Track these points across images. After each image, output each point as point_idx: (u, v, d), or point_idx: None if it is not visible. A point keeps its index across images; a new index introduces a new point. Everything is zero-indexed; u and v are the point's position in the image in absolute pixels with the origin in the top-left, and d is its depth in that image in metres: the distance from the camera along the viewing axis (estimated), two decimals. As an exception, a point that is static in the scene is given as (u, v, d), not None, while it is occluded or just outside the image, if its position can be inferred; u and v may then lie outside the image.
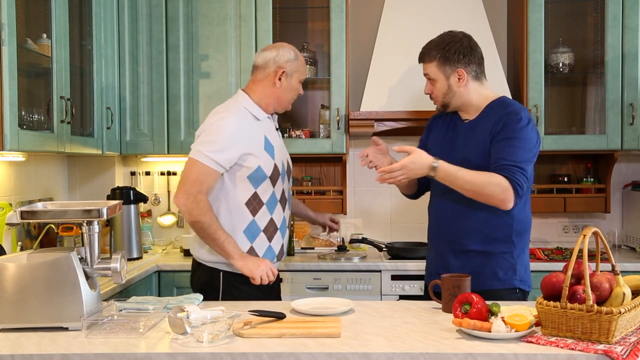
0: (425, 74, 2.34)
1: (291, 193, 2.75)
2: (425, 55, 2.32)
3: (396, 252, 3.26)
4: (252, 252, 2.36)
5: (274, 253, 2.42)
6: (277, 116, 2.56)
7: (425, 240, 3.67)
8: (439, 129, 2.43)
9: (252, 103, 2.41)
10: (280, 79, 2.40)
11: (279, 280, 2.55)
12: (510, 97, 3.26)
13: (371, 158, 2.37)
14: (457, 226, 2.28)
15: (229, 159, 2.28)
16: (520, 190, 2.10)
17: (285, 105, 2.48)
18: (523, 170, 2.11)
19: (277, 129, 2.52)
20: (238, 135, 2.29)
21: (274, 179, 2.38)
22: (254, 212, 2.36)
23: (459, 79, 2.27)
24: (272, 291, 2.46)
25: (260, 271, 2.28)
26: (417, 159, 2.11)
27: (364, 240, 3.16)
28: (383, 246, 3.22)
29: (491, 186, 2.10)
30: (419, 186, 2.54)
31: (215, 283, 2.38)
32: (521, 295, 2.28)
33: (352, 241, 3.15)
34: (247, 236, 2.36)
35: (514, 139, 2.15)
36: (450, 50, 2.26)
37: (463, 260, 2.27)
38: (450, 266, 2.27)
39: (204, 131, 2.33)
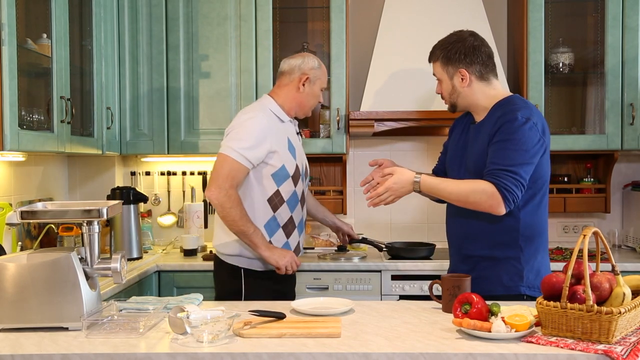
0: (434, 74, 2.35)
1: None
2: (431, 55, 2.33)
3: (396, 252, 3.25)
4: None
5: (290, 249, 2.56)
6: (297, 121, 2.71)
7: (425, 240, 3.69)
8: (457, 132, 2.41)
9: (276, 106, 2.56)
10: (303, 85, 2.56)
11: (294, 276, 2.71)
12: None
13: (377, 180, 2.30)
14: (462, 231, 2.27)
15: (258, 156, 2.42)
16: (508, 194, 2.03)
17: (306, 111, 2.64)
18: (513, 174, 2.04)
19: (297, 133, 2.68)
20: (266, 134, 2.43)
21: (295, 178, 2.54)
22: (274, 208, 2.51)
23: (462, 79, 2.25)
24: (289, 286, 2.66)
25: (285, 262, 2.46)
26: (399, 179, 2.19)
27: (364, 240, 3.16)
28: (383, 246, 3.22)
29: (475, 194, 2.07)
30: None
31: (238, 280, 2.53)
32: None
33: (352, 241, 3.15)
34: (267, 231, 2.50)
35: (507, 141, 2.08)
36: (452, 50, 2.25)
37: (469, 265, 2.24)
38: (459, 270, 2.25)
39: (234, 129, 2.45)
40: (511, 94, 2.29)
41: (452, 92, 2.28)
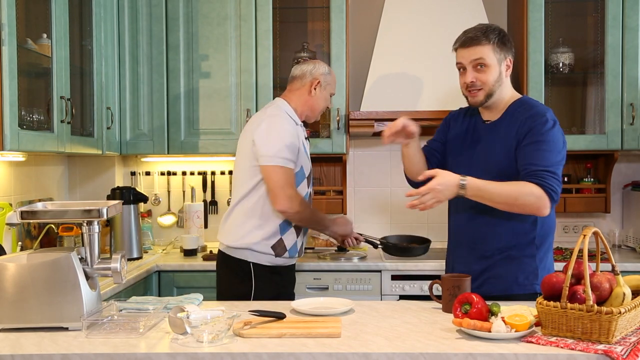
0: (471, 61, 2.17)
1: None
2: (481, 38, 2.15)
3: (392, 250, 3.11)
4: (281, 243, 2.58)
5: (296, 248, 2.66)
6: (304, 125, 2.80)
7: (421, 234, 3.67)
8: (458, 129, 2.35)
9: (291, 109, 2.67)
10: (315, 89, 2.67)
11: (294, 274, 2.82)
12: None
13: (394, 136, 2.24)
14: (478, 231, 2.22)
15: (296, 156, 2.55)
16: (554, 194, 2.04)
17: (316, 115, 2.76)
18: (554, 174, 2.05)
19: (307, 138, 2.75)
20: (292, 133, 2.55)
21: (309, 179, 2.67)
22: None
23: (507, 67, 2.19)
24: (291, 279, 2.77)
25: (347, 237, 2.81)
26: (443, 181, 2.02)
27: (367, 241, 3.13)
28: (378, 242, 3.10)
29: (524, 196, 2.03)
30: (429, 166, 2.39)
31: (247, 274, 2.58)
32: None
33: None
34: (281, 228, 2.58)
35: (542, 142, 2.07)
36: (505, 37, 2.19)
37: (483, 264, 2.21)
38: (473, 271, 2.21)
39: (269, 136, 2.51)
40: (520, 94, 2.28)
41: (498, 79, 2.18)
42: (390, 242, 3.13)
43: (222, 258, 2.66)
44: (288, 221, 2.58)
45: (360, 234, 3.02)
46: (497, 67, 2.18)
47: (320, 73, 2.70)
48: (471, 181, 2.04)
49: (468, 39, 2.18)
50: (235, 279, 2.60)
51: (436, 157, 2.43)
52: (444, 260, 3.13)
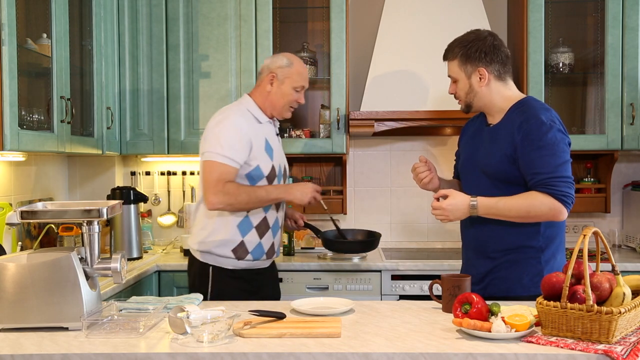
0: (448, 74, 2.29)
1: None
2: (448, 53, 2.27)
3: (330, 244, 2.87)
4: (242, 246, 2.49)
5: (263, 250, 2.54)
6: (278, 122, 2.71)
7: (424, 239, 3.68)
8: (469, 134, 2.37)
9: (254, 106, 2.56)
10: (272, 84, 2.55)
11: (268, 277, 2.67)
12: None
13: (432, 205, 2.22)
14: (483, 233, 2.22)
15: (242, 154, 2.42)
16: (566, 199, 2.04)
17: (280, 111, 2.59)
18: (562, 178, 2.05)
19: (277, 134, 2.65)
20: (243, 133, 2.43)
21: (270, 179, 2.52)
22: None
23: (480, 78, 2.20)
24: (261, 284, 2.59)
25: (308, 198, 2.49)
26: (454, 202, 2.11)
27: (307, 225, 2.83)
28: (318, 231, 2.86)
29: (536, 208, 2.06)
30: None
31: (205, 278, 2.52)
32: None
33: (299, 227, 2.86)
34: (240, 230, 2.49)
35: (542, 148, 2.07)
36: (472, 49, 2.20)
37: (488, 266, 2.21)
38: (480, 274, 2.22)
39: (210, 132, 2.45)
40: (525, 95, 2.26)
41: (469, 91, 2.23)
42: (328, 237, 2.87)
43: (189, 259, 2.63)
44: (248, 222, 2.49)
45: (308, 224, 2.82)
46: (466, 80, 2.23)
47: (277, 66, 2.56)
48: (481, 201, 2.10)
49: (444, 53, 2.30)
50: (197, 281, 2.55)
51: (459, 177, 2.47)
52: (444, 261, 3.16)
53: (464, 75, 2.23)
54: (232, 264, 2.52)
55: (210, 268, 2.52)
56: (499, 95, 2.23)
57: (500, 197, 2.10)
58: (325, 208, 2.61)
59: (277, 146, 2.61)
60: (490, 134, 2.23)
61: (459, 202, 2.11)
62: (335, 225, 2.93)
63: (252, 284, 2.56)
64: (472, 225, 2.25)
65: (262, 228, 2.53)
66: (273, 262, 2.74)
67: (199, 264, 2.55)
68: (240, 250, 2.50)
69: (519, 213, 2.08)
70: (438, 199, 2.16)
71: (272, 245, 2.59)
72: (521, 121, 2.12)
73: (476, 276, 2.21)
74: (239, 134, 2.42)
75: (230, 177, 2.41)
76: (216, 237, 2.50)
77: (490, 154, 2.18)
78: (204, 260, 2.53)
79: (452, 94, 2.31)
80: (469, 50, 2.20)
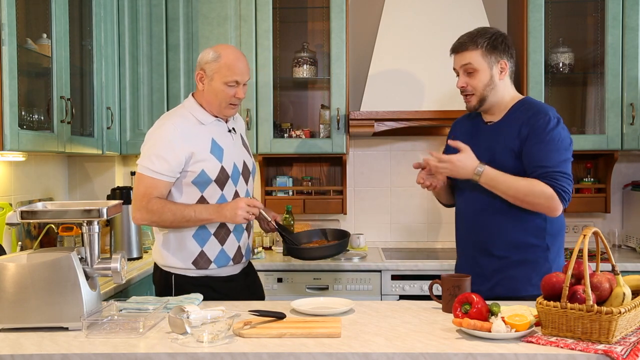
0: (461, 66, 2.23)
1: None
2: (468, 44, 2.21)
3: (291, 251, 2.48)
4: (203, 256, 2.33)
5: (228, 256, 2.36)
6: (235, 118, 2.50)
7: (421, 235, 3.67)
8: (462, 131, 2.36)
9: (197, 107, 2.36)
10: (202, 81, 2.34)
11: (240, 283, 2.45)
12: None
13: (433, 164, 2.19)
14: (487, 231, 2.22)
15: (173, 166, 2.26)
16: (565, 194, 2.06)
17: (218, 109, 2.35)
18: (564, 174, 2.07)
19: (229, 131, 2.42)
20: (177, 141, 2.26)
21: (220, 181, 2.32)
22: None
23: (501, 70, 2.20)
24: (231, 289, 2.38)
25: (240, 217, 2.22)
26: (465, 159, 2.11)
27: (278, 227, 2.47)
28: (285, 238, 2.50)
29: (535, 194, 2.07)
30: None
31: (169, 285, 2.36)
32: None
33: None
34: (197, 240, 2.33)
35: (548, 142, 2.10)
36: (498, 40, 2.20)
37: (496, 266, 2.20)
38: (486, 273, 2.21)
39: (145, 143, 2.33)
40: (523, 96, 2.30)
41: (489, 83, 2.20)
42: (292, 244, 2.47)
43: (154, 266, 2.47)
44: (204, 230, 2.31)
45: (279, 225, 2.48)
46: (488, 71, 2.20)
47: (204, 62, 2.32)
48: (488, 170, 2.10)
49: (458, 45, 2.25)
50: (162, 291, 2.38)
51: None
52: (444, 261, 3.16)
53: (487, 66, 2.20)
54: (194, 272, 2.35)
55: (173, 277, 2.35)
56: (507, 91, 2.25)
57: (504, 172, 2.10)
58: (270, 220, 2.36)
59: (229, 145, 2.38)
60: (492, 131, 2.24)
61: (469, 161, 2.11)
62: (282, 235, 2.48)
63: (220, 291, 2.34)
64: (477, 224, 2.24)
65: (222, 234, 2.34)
66: (249, 265, 2.55)
67: (161, 271, 2.39)
68: (201, 261, 2.32)
69: (516, 193, 2.09)
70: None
71: (239, 249, 2.39)
72: (529, 116, 2.15)
73: (482, 275, 2.20)
74: (171, 144, 2.25)
75: (159, 192, 2.26)
76: (173, 250, 2.34)
77: (495, 149, 2.19)
78: (166, 268, 2.37)
79: (462, 87, 2.24)
80: (495, 41, 2.20)
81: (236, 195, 2.38)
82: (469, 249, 2.30)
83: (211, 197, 2.32)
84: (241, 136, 2.52)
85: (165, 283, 2.37)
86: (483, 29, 2.25)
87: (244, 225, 2.42)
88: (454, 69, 2.28)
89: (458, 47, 2.24)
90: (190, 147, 2.27)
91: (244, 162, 2.45)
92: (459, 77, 2.25)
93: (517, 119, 2.18)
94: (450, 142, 2.18)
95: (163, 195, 2.29)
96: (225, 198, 2.34)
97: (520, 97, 2.26)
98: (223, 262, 2.35)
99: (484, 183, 2.11)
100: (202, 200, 2.31)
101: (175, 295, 2.33)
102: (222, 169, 2.32)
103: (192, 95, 2.42)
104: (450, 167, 2.12)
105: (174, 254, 2.34)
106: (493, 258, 2.21)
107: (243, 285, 2.46)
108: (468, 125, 2.36)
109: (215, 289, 2.34)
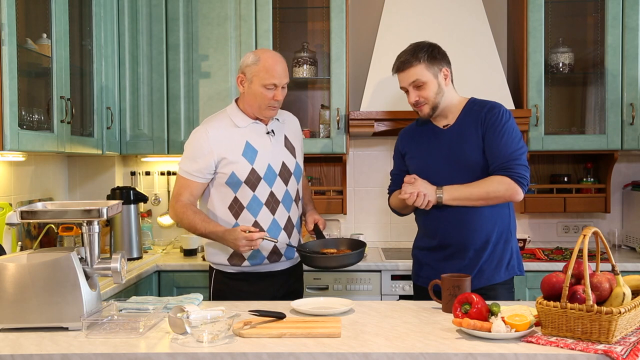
0: (410, 83, 2.33)
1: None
2: (411, 60, 2.31)
3: (308, 260, 2.48)
4: (237, 253, 2.42)
5: (262, 255, 2.44)
6: (284, 120, 2.58)
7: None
8: (414, 140, 2.44)
9: (236, 111, 2.48)
10: (242, 84, 2.44)
11: (284, 278, 2.53)
12: (510, 97, 3.27)
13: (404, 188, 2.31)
14: (459, 228, 2.30)
15: (201, 168, 2.39)
16: (523, 180, 2.21)
17: (257, 111, 2.43)
18: (519, 160, 2.22)
19: (268, 133, 2.48)
20: (207, 145, 2.39)
21: (251, 183, 2.39)
22: (236, 215, 2.43)
23: (445, 77, 2.34)
24: (264, 287, 2.48)
25: (242, 249, 2.28)
26: (423, 183, 2.26)
27: (316, 231, 2.61)
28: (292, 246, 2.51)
29: (495, 187, 2.22)
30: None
31: (211, 278, 2.56)
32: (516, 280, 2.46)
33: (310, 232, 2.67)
34: None
35: (502, 134, 2.25)
36: (435, 50, 2.34)
37: (468, 259, 2.30)
38: (462, 264, 2.30)
39: (185, 146, 2.49)
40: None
41: (439, 91, 2.34)
42: (307, 251, 2.49)
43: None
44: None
45: (320, 230, 2.59)
46: (434, 80, 2.32)
47: (244, 65, 2.42)
48: (446, 189, 2.24)
49: (401, 64, 2.35)
50: (207, 281, 2.63)
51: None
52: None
53: (432, 76, 2.32)
54: (230, 269, 2.49)
55: (214, 272, 2.54)
56: (454, 95, 2.39)
57: (461, 185, 2.24)
58: (276, 241, 2.37)
59: (265, 146, 2.45)
60: (453, 133, 2.34)
61: (428, 186, 2.26)
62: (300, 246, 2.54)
63: (256, 285, 2.46)
64: (447, 222, 2.32)
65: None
66: (297, 265, 2.61)
67: (208, 265, 2.60)
68: (235, 258, 2.44)
69: (479, 196, 2.23)
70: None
71: (275, 248, 2.45)
72: (485, 112, 2.29)
73: (460, 271, 2.28)
74: (202, 148, 2.38)
75: (190, 191, 2.42)
76: (211, 246, 2.49)
77: (461, 149, 2.30)
78: (209, 263, 2.57)
79: (415, 101, 2.34)
80: (432, 52, 2.33)
81: (272, 196, 2.44)
82: (435, 252, 2.38)
83: (244, 197, 2.41)
84: (285, 137, 2.56)
85: (209, 276, 2.57)
86: (417, 44, 2.37)
87: (284, 225, 2.47)
88: (401, 87, 2.38)
89: (401, 66, 2.34)
90: (220, 150, 2.39)
91: (283, 162, 2.50)
92: (409, 94, 2.35)
93: (474, 116, 2.31)
94: (406, 179, 2.30)
95: (195, 195, 2.44)
96: (258, 199, 2.42)
97: (466, 98, 2.40)
98: (258, 261, 2.45)
99: (450, 198, 2.24)
100: (236, 200, 2.42)
101: (213, 288, 2.51)
102: (253, 171, 2.40)
103: (235, 100, 2.53)
104: (419, 190, 2.23)
105: (214, 250, 2.49)
106: (468, 251, 2.31)
107: (282, 283, 2.52)
108: (420, 133, 2.44)
109: (251, 284, 2.47)
